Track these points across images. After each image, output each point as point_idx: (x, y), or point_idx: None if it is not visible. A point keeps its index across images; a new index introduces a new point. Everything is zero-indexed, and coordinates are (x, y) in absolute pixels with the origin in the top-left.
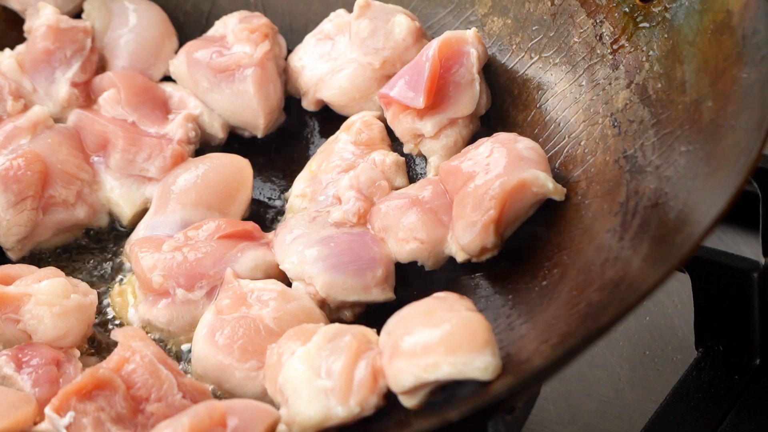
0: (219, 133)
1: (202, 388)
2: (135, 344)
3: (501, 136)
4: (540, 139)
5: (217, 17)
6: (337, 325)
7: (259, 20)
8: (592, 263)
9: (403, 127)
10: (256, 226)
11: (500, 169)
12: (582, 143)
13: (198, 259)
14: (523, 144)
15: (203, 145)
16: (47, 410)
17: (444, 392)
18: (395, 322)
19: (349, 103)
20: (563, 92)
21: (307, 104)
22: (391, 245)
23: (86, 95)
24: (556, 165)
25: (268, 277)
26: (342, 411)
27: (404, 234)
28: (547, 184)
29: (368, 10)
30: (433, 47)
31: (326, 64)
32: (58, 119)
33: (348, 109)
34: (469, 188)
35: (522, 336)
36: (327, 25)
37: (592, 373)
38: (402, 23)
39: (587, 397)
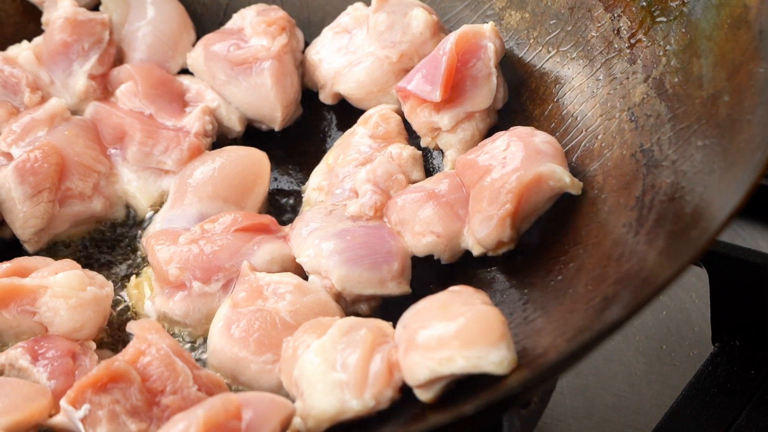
0: (236, 126)
1: (217, 381)
2: (151, 337)
3: (518, 130)
4: (557, 133)
5: (235, 10)
6: (352, 318)
7: (277, 13)
8: (608, 257)
9: (420, 120)
10: (273, 219)
11: (517, 162)
12: (599, 137)
13: (214, 251)
14: (540, 138)
15: (220, 138)
16: (63, 402)
17: (459, 386)
18: (411, 315)
19: (367, 96)
20: (580, 86)
21: (325, 97)
22: (408, 239)
23: (104, 88)
24: (573, 159)
25: (284, 270)
26: (357, 404)
27: (421, 227)
28: (563, 178)
29: (386, 3)
30: (450, 41)
31: (344, 57)
32: (75, 111)
33: (365, 103)
34: (485, 182)
35: (537, 330)
36: (344, 18)
37: (609, 368)
38: (419, 17)
39: (603, 391)
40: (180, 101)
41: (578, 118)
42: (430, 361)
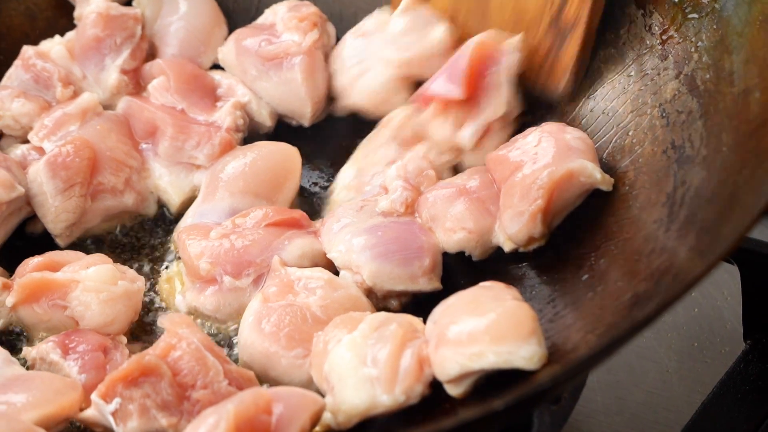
0: (267, 121)
1: (248, 375)
2: (182, 331)
3: (549, 126)
4: (588, 129)
5: (267, 5)
6: (383, 313)
7: (309, 9)
8: (639, 253)
9: (441, 134)
10: (304, 214)
11: (548, 158)
12: (630, 133)
13: (245, 246)
14: (571, 134)
15: (251, 133)
16: (93, 396)
17: (489, 382)
18: (441, 311)
19: (377, 106)
20: (612, 82)
21: (338, 110)
22: (439, 235)
23: (136, 82)
24: (604, 155)
25: (315, 265)
26: (387, 399)
27: (452, 223)
28: (594, 174)
29: (413, 11)
30: (470, 45)
31: (355, 67)
32: (107, 106)
33: (377, 112)
34: (516, 178)
35: (568, 325)
36: (368, 21)
37: (640, 365)
38: (440, 30)
39: (635, 388)
40: (211, 96)
41: (609, 114)
42: (461, 356)
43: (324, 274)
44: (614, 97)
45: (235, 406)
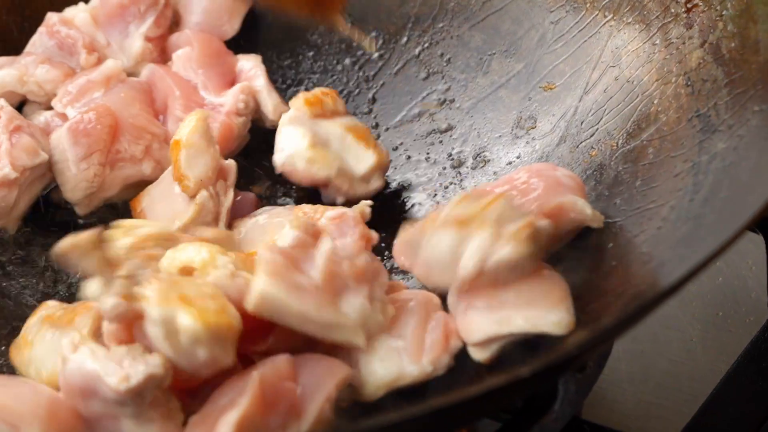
0: (270, 114)
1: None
2: None
3: (537, 166)
4: (612, 98)
5: None
6: (406, 291)
7: None
8: (664, 221)
9: None
10: None
11: (539, 192)
12: (655, 102)
13: None
14: (562, 172)
15: (257, 124)
16: None
17: (515, 349)
18: None
19: None
20: (636, 51)
21: None
22: None
23: (161, 51)
24: (629, 124)
25: None
26: (415, 370)
27: None
28: (585, 210)
29: None
30: None
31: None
32: (131, 74)
33: None
34: None
35: (594, 293)
36: None
37: (665, 334)
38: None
39: (659, 357)
40: (229, 77)
41: (634, 83)
42: (489, 320)
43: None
44: (639, 65)
45: (260, 373)
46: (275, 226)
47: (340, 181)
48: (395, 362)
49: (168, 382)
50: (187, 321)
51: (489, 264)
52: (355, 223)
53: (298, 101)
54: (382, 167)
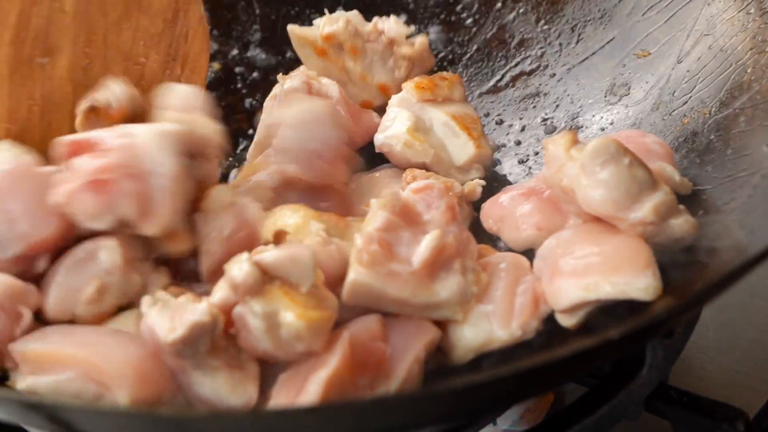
0: None
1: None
2: None
3: (628, 132)
4: (706, 66)
5: None
6: (496, 254)
7: None
8: (755, 188)
9: None
10: None
11: None
12: (748, 71)
13: None
14: (651, 139)
15: None
16: None
17: (601, 316)
18: (552, 246)
19: None
20: (731, 20)
21: None
22: (506, 234)
23: None
24: (722, 92)
25: None
26: (504, 334)
27: (521, 221)
28: (673, 177)
29: None
30: None
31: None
32: None
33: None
34: None
35: (682, 260)
36: None
37: (753, 303)
38: None
39: (747, 326)
40: None
41: (728, 51)
42: (576, 286)
43: None
44: (733, 34)
45: (351, 332)
46: (385, 185)
47: (436, 167)
48: (484, 327)
49: (219, 330)
50: (290, 318)
51: None
52: (441, 194)
53: (410, 84)
54: (482, 160)
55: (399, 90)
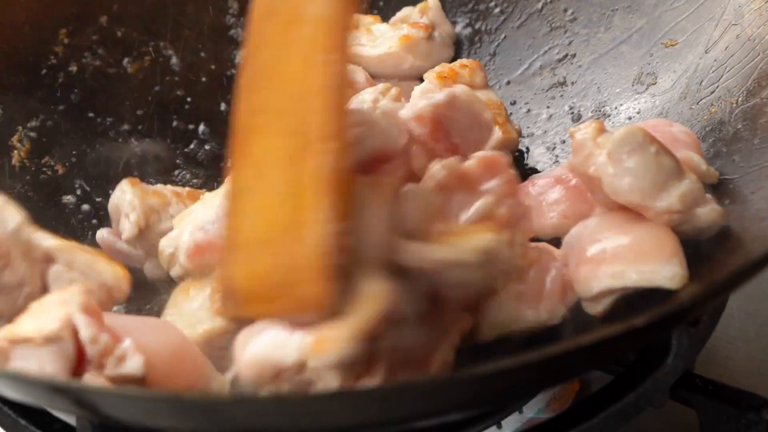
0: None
1: None
2: None
3: (654, 121)
4: (734, 55)
5: None
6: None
7: None
8: None
9: None
10: None
11: None
12: None
13: None
14: (678, 128)
15: None
16: None
17: (627, 304)
18: (578, 233)
19: None
20: (759, 9)
21: None
22: (534, 221)
23: None
24: (749, 81)
25: None
26: (531, 315)
27: (547, 209)
28: (700, 166)
29: None
30: None
31: None
32: None
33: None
34: None
35: (707, 249)
36: None
37: None
38: None
39: None
40: None
41: (755, 41)
42: (603, 274)
43: None
44: (761, 24)
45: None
46: None
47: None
48: (512, 305)
49: None
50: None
51: None
52: (503, 168)
53: (431, 75)
54: (508, 145)
55: None
